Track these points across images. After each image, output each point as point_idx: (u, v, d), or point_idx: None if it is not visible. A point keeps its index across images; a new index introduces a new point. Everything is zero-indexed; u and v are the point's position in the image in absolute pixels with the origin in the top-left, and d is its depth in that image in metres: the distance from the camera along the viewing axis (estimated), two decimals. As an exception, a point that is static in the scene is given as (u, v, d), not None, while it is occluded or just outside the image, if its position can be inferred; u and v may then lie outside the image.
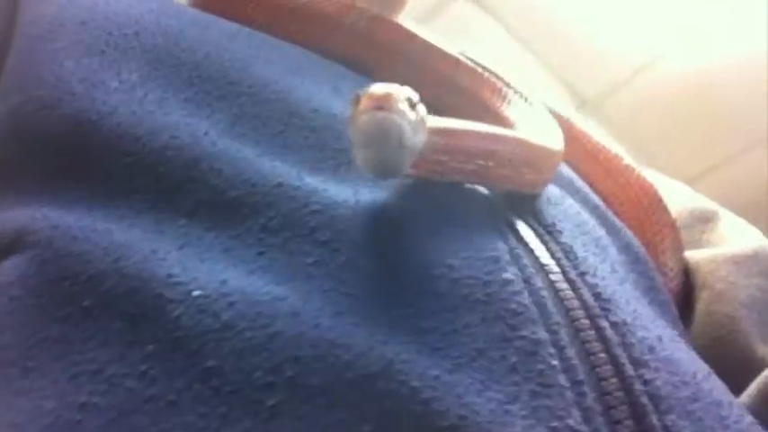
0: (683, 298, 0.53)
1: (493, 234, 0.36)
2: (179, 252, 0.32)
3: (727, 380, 0.48)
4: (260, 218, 0.33)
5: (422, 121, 0.33)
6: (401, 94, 0.32)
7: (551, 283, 0.35)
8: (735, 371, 0.48)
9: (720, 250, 0.54)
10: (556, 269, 0.36)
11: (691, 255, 0.55)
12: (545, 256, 0.37)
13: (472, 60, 0.48)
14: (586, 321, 0.34)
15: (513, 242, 0.37)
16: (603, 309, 0.35)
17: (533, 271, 0.35)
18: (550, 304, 0.34)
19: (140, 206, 0.34)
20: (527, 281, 0.34)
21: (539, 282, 0.35)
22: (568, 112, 0.55)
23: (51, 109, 0.36)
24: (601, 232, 0.43)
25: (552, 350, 0.32)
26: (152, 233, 0.32)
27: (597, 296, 0.36)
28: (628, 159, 0.54)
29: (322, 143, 0.38)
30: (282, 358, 0.28)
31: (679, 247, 0.53)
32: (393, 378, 0.28)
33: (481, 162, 0.38)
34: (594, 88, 2.13)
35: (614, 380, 0.32)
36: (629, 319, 0.35)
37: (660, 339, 0.36)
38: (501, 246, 0.36)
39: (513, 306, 0.33)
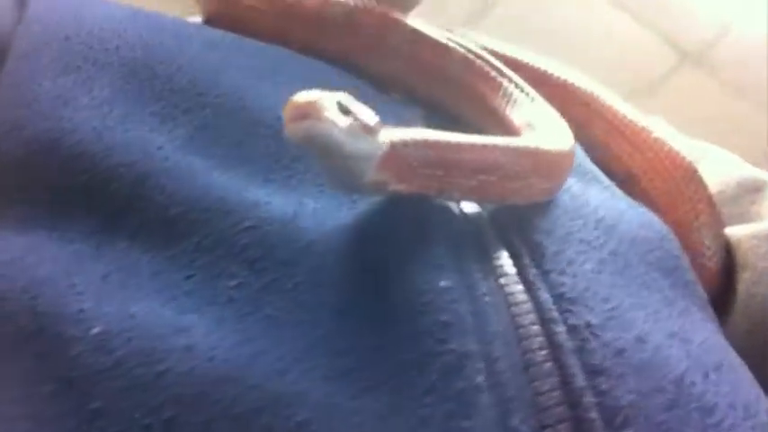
0: (724, 278, 0.49)
1: (444, 239, 0.34)
2: (102, 282, 0.31)
3: (758, 375, 0.44)
4: (195, 236, 0.33)
5: (362, 125, 0.31)
6: (327, 99, 0.30)
7: (501, 287, 0.33)
8: None
9: (761, 226, 0.50)
10: (511, 270, 0.34)
11: (732, 231, 0.51)
12: (502, 257, 0.35)
13: (466, 48, 0.46)
14: (536, 327, 0.32)
15: (468, 244, 0.35)
16: (564, 311, 0.33)
17: (480, 275, 0.33)
18: (492, 311, 0.32)
19: (92, 227, 0.33)
20: (470, 287, 0.32)
21: (483, 287, 0.33)
22: (590, 85, 0.52)
23: (20, 129, 0.36)
24: (607, 212, 0.41)
25: (480, 364, 0.30)
26: (86, 260, 0.32)
27: (559, 297, 0.33)
28: (658, 132, 0.50)
29: (280, 152, 0.37)
30: (165, 397, 0.28)
31: (717, 224, 0.49)
32: (280, 413, 0.27)
33: (483, 177, 0.36)
34: (695, 41, 2.02)
35: (556, 393, 0.30)
36: (596, 320, 0.33)
37: (641, 339, 0.33)
38: (447, 251, 0.34)
39: (446, 317, 0.31)
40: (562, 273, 0.35)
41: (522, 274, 0.34)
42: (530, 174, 0.37)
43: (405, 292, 0.32)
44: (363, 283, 0.32)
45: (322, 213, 0.34)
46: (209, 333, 0.30)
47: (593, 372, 0.31)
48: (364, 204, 0.35)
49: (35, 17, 0.43)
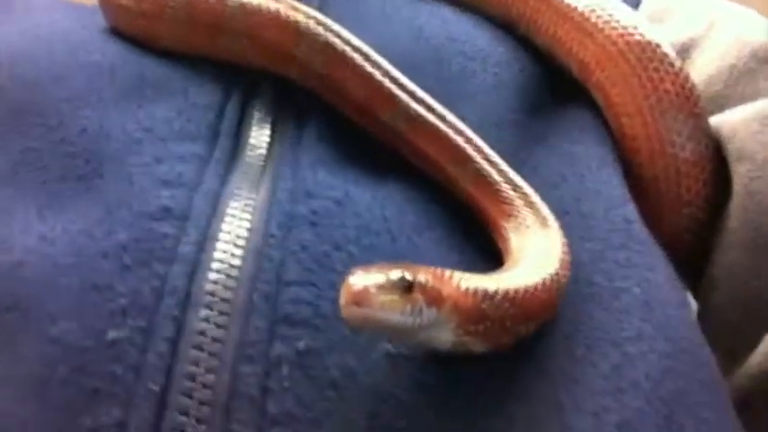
0: (713, 174, 0.41)
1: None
2: None
3: (765, 297, 0.38)
4: None
5: (427, 300, 0.28)
6: (383, 281, 0.27)
7: (200, 318, 0.29)
8: None
9: (767, 103, 0.41)
10: (222, 296, 0.30)
11: (724, 118, 0.42)
12: (209, 276, 0.31)
13: (324, 25, 0.39)
14: (210, 376, 0.28)
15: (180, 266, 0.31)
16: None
17: (171, 314, 0.29)
18: (161, 365, 0.28)
19: None
20: (150, 333, 0.29)
21: (167, 329, 0.29)
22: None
23: None
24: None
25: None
26: None
27: (283, 319, 0.30)
28: (614, 11, 0.43)
29: (69, 171, 0.35)
30: None
31: (691, 104, 0.41)
32: None
33: (542, 319, 0.32)
34: None
35: None
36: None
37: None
38: (137, 286, 0.30)
39: (95, 382, 0.28)
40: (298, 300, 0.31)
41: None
42: (552, 308, 0.33)
43: (64, 352, 0.28)
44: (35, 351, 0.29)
45: (57, 248, 0.32)
46: None
47: None
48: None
49: None
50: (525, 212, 0.35)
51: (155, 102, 0.38)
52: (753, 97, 0.43)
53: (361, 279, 0.26)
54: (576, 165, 0.39)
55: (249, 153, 0.37)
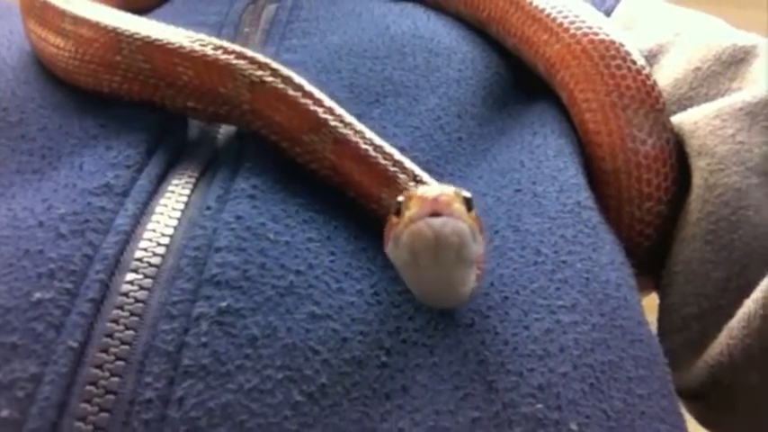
0: (675, 168, 0.41)
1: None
2: None
3: (725, 287, 0.38)
4: None
5: (480, 225, 0.27)
6: (454, 192, 0.26)
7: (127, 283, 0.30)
8: (745, 270, 0.37)
9: (728, 101, 0.42)
10: (154, 253, 0.31)
11: (686, 116, 0.43)
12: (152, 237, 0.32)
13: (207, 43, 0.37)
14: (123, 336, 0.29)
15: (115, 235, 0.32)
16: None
17: (98, 278, 0.30)
18: (82, 323, 0.29)
19: None
20: (75, 295, 0.29)
21: (93, 292, 0.29)
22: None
23: None
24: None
25: (21, 392, 0.27)
26: None
27: (208, 281, 0.30)
28: (581, 13, 0.44)
29: (22, 160, 0.36)
30: None
31: (650, 101, 0.42)
32: None
33: None
34: None
35: None
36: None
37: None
38: (69, 253, 0.31)
39: (14, 338, 0.28)
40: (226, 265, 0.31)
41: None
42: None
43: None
44: None
45: None
46: None
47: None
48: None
49: None
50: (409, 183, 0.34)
51: (115, 103, 0.39)
52: (716, 98, 0.44)
53: (433, 190, 0.26)
54: (535, 153, 0.41)
55: (198, 139, 0.38)
